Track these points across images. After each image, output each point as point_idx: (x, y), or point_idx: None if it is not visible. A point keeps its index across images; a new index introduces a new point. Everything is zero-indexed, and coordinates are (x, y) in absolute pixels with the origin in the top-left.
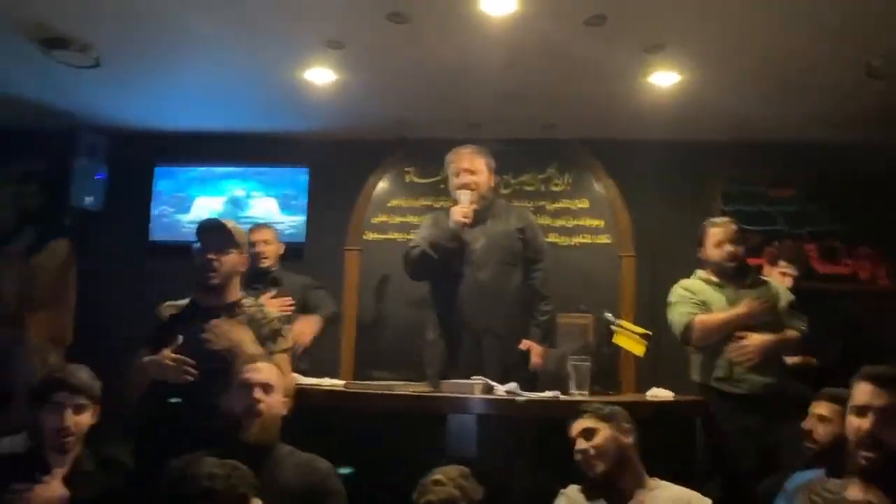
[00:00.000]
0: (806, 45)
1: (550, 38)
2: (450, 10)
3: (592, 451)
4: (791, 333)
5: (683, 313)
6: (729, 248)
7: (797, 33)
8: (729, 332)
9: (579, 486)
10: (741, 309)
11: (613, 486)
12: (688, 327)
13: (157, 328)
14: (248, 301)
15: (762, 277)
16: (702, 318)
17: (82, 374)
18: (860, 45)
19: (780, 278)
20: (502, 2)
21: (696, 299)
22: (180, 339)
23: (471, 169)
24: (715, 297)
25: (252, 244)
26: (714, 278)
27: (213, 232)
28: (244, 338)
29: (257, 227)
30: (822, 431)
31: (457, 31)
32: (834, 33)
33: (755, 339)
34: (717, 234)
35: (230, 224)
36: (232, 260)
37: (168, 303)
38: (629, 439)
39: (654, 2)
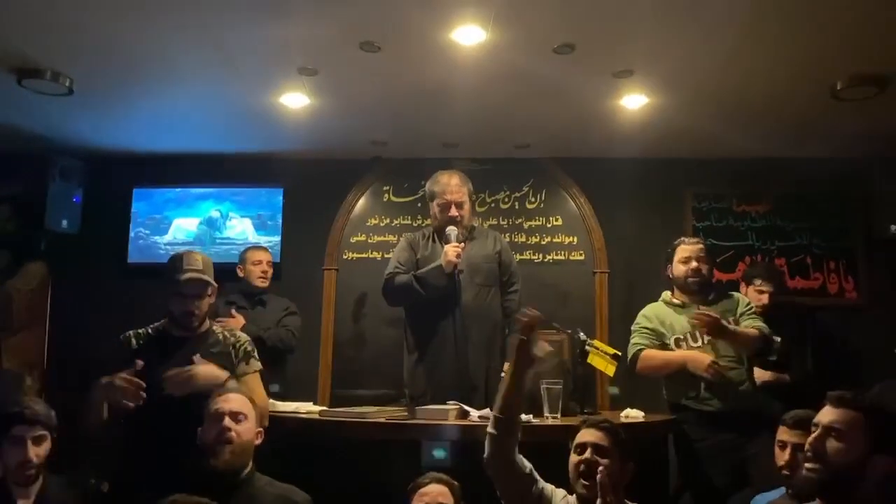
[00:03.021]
0: (770, 69)
1: (521, 65)
2: (421, 39)
3: (603, 470)
4: (749, 330)
5: (635, 344)
6: (694, 264)
7: (762, 58)
8: (670, 371)
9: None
10: (686, 355)
11: None
12: (633, 359)
13: (124, 359)
14: (216, 328)
15: (728, 292)
16: (646, 354)
17: (37, 406)
18: (824, 70)
19: (756, 296)
20: (472, 32)
21: (652, 327)
22: (139, 363)
23: (459, 201)
24: (676, 318)
25: (257, 263)
26: (676, 300)
27: (195, 283)
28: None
29: (259, 248)
30: (783, 456)
31: (429, 59)
32: (797, 58)
33: (713, 316)
34: (686, 251)
35: (203, 262)
36: (209, 300)
37: (132, 332)
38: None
39: (620, 30)
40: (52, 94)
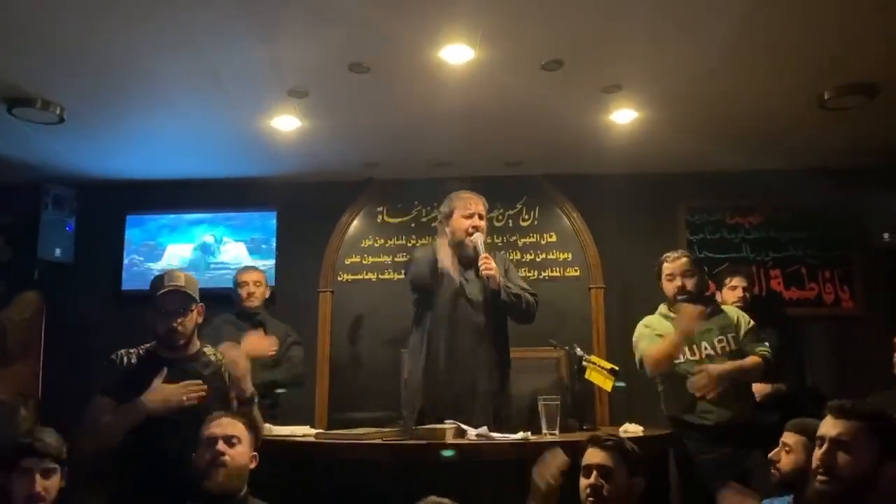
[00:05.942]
0: (758, 79)
1: (510, 82)
2: (409, 59)
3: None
4: (752, 360)
5: (640, 349)
6: (678, 281)
7: (749, 69)
8: (677, 352)
9: None
10: (676, 332)
11: None
12: (641, 362)
13: (119, 376)
14: (208, 350)
15: (722, 306)
16: (647, 350)
17: (48, 438)
18: (811, 80)
19: (732, 295)
20: (460, 50)
21: (654, 333)
22: (165, 370)
23: (481, 214)
24: (673, 331)
25: (243, 284)
26: (673, 313)
27: (173, 296)
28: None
29: (249, 268)
30: (784, 460)
31: (418, 78)
32: (785, 69)
33: (711, 370)
34: (668, 269)
35: (185, 279)
36: (193, 317)
37: (123, 351)
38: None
39: (607, 46)
40: (43, 123)
